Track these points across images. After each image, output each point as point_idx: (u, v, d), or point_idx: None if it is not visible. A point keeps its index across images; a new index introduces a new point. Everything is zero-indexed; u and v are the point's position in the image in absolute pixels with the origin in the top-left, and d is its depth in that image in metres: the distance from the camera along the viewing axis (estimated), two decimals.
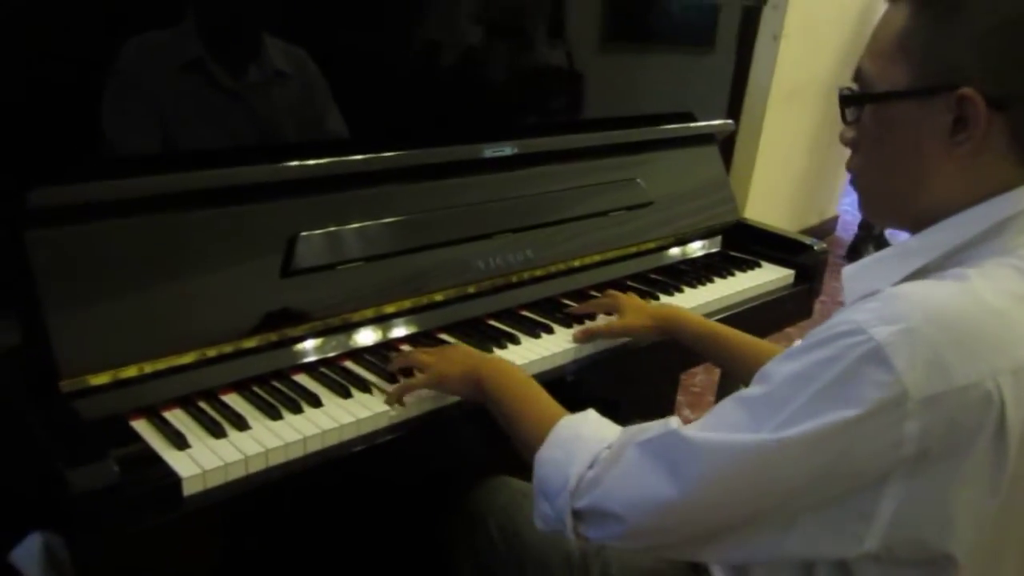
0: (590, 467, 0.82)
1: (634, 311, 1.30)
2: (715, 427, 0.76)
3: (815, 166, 4.19)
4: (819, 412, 0.69)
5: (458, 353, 1.12)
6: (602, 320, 1.34)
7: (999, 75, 0.72)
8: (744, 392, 0.77)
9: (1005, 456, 0.69)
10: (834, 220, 4.80)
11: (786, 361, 0.74)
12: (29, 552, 0.93)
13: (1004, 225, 0.75)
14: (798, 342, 0.77)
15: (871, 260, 0.82)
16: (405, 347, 1.21)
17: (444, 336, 1.26)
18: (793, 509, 0.73)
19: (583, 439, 0.86)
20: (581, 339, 1.27)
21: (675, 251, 1.67)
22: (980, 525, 0.71)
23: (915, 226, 0.81)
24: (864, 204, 0.85)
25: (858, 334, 0.69)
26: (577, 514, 0.82)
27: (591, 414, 0.92)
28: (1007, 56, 0.72)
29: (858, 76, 0.81)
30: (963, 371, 0.67)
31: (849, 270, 0.83)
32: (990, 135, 0.74)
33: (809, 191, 4.27)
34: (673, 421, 0.80)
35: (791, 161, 3.94)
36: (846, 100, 0.81)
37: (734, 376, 1.23)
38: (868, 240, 4.27)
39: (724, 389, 1.80)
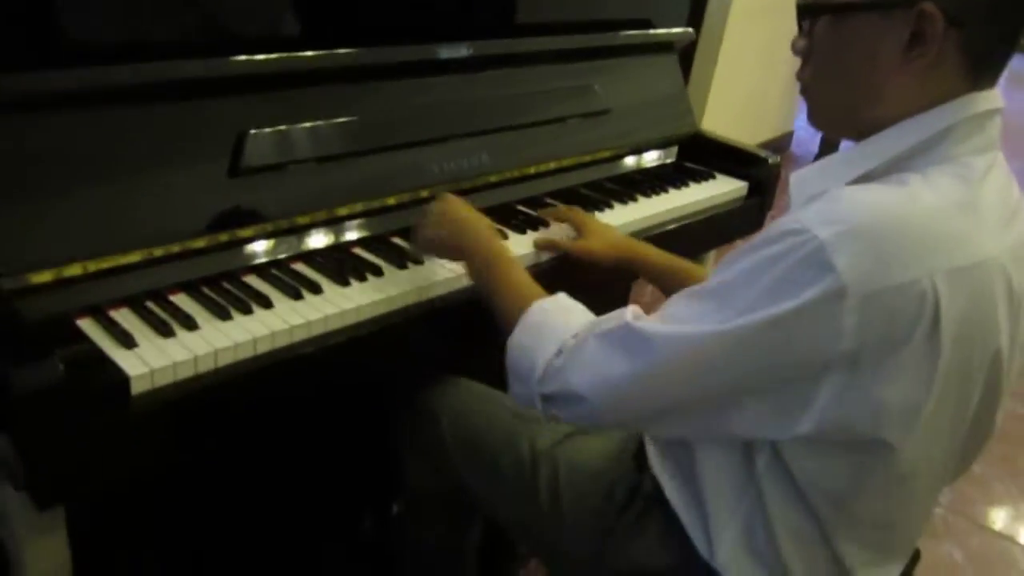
0: (557, 355, 0.87)
1: (598, 236, 1.29)
2: (670, 319, 0.81)
3: (773, 81, 4.18)
4: (765, 305, 0.72)
5: (446, 211, 1.12)
6: (565, 233, 1.33)
7: None
8: (695, 287, 0.81)
9: (938, 351, 0.73)
10: (789, 136, 4.82)
11: (738, 258, 0.77)
12: None
13: (945, 133, 0.77)
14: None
15: (817, 165, 0.84)
16: (357, 250, 1.20)
17: (397, 240, 1.24)
18: (739, 392, 0.78)
19: (551, 327, 0.91)
20: (541, 246, 1.28)
21: (631, 160, 1.67)
22: (913, 415, 0.75)
23: (863, 136, 0.82)
24: (813, 113, 0.87)
25: (803, 233, 0.71)
26: (546, 397, 0.88)
27: (561, 298, 0.96)
28: None
29: None
30: (901, 270, 0.70)
31: (796, 175, 0.85)
32: (944, 52, 0.75)
33: (766, 106, 4.27)
34: (629, 313, 0.84)
35: (750, 75, 3.92)
36: (806, 9, 0.81)
37: None
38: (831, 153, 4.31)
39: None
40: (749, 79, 3.95)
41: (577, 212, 1.35)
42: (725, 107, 3.73)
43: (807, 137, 4.79)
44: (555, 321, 0.91)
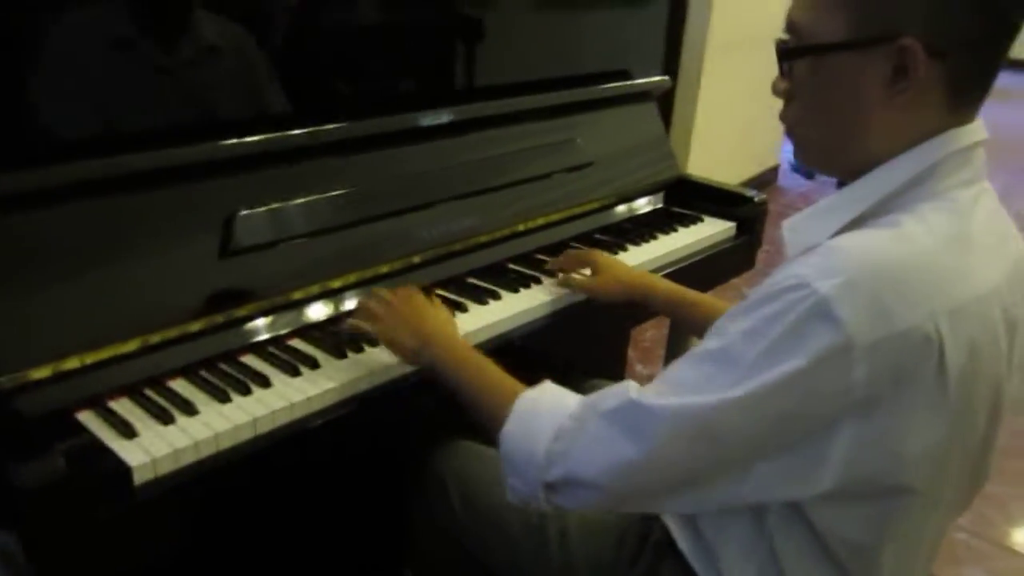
0: (555, 439, 0.84)
1: (609, 273, 1.32)
2: (672, 389, 0.78)
3: (755, 116, 4.23)
4: (770, 366, 0.72)
5: (407, 317, 1.09)
6: (577, 276, 1.36)
7: (939, 24, 0.73)
8: (697, 349, 0.80)
9: (946, 391, 0.73)
10: (775, 170, 4.86)
11: (736, 318, 0.76)
12: None
13: (932, 170, 0.77)
14: (747, 292, 0.79)
15: (809, 212, 0.84)
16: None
17: None
18: (753, 457, 0.76)
19: (543, 412, 0.88)
20: (560, 284, 1.34)
21: (618, 210, 1.68)
22: (929, 457, 0.75)
23: (853, 174, 0.82)
24: (802, 154, 0.87)
25: (802, 288, 0.71)
26: (549, 486, 0.85)
27: (547, 386, 0.93)
28: (947, 4, 0.73)
29: (791, 28, 0.82)
30: (903, 316, 0.70)
31: (789, 223, 0.84)
32: (928, 84, 0.75)
33: (750, 141, 4.31)
34: (632, 388, 0.82)
35: (731, 112, 3.98)
36: (785, 53, 0.82)
37: (700, 336, 1.26)
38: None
39: (674, 343, 1.82)
40: (731, 117, 4.00)
41: (587, 252, 1.39)
42: (710, 147, 3.78)
43: (791, 169, 4.84)
44: (547, 406, 0.88)
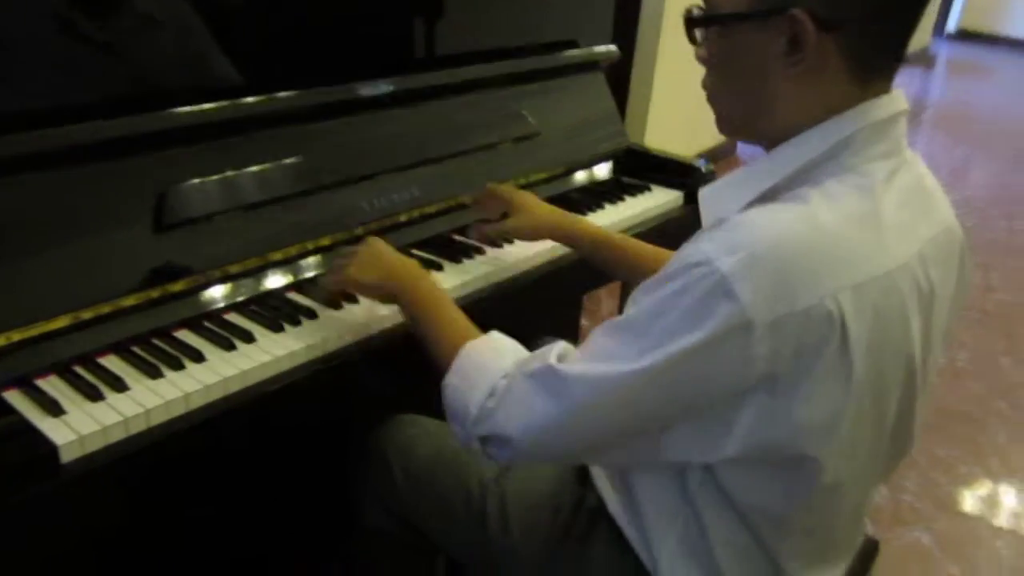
0: (488, 396, 0.87)
1: (527, 212, 1.30)
2: (590, 355, 0.81)
3: None
4: (673, 340, 0.73)
5: (369, 260, 1.11)
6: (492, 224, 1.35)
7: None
8: (614, 320, 0.81)
9: (851, 366, 0.74)
10: (734, 140, 4.89)
11: (648, 290, 0.78)
12: None
13: (844, 144, 0.78)
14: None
15: (723, 182, 0.85)
16: (292, 295, 1.20)
17: None
18: (660, 425, 0.79)
19: (482, 368, 0.90)
20: (477, 238, 1.33)
21: (566, 180, 1.68)
22: (834, 429, 0.77)
23: (770, 144, 0.83)
24: (718, 122, 0.88)
25: (705, 265, 0.72)
26: (482, 439, 0.88)
27: (494, 337, 0.96)
28: None
29: None
30: (804, 293, 0.71)
31: (705, 191, 0.86)
32: (824, 56, 0.76)
33: (708, 113, 4.32)
34: (553, 353, 0.84)
35: (689, 83, 3.97)
36: (691, 22, 0.83)
37: (629, 282, 1.26)
38: None
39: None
40: (689, 87, 3.99)
41: (503, 189, 1.35)
42: (668, 118, 3.78)
43: None
44: (486, 362, 0.91)
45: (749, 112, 0.83)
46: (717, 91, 0.85)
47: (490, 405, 0.87)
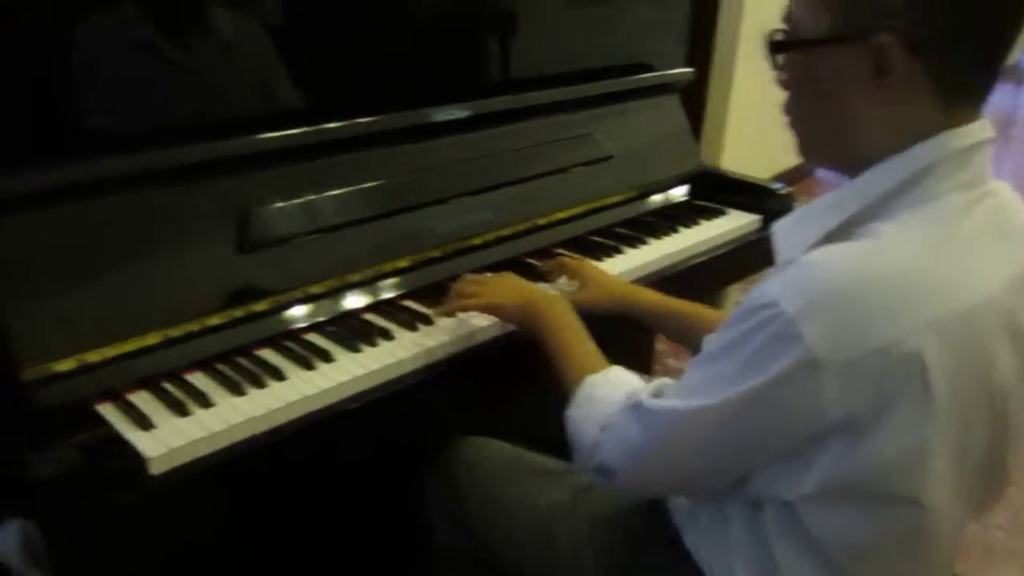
0: (601, 430, 0.91)
1: (596, 286, 1.29)
2: (677, 391, 0.84)
3: None
4: (744, 380, 0.74)
5: (508, 285, 1.17)
6: (566, 286, 1.33)
7: (919, 20, 0.72)
8: (699, 356, 0.82)
9: (932, 405, 0.72)
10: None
11: (721, 331, 0.79)
12: (7, 539, 0.94)
13: (923, 173, 0.76)
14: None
15: (796, 215, 0.84)
16: (368, 316, 1.22)
17: (409, 303, 1.26)
18: (744, 461, 0.80)
19: (599, 401, 0.94)
20: None
21: (639, 203, 1.67)
22: (916, 468, 0.75)
23: (850, 170, 0.81)
24: (799, 147, 0.86)
25: (772, 307, 0.72)
26: (595, 470, 0.92)
27: (614, 372, 0.98)
28: (929, 1, 0.72)
29: (788, 19, 0.82)
30: (878, 333, 0.70)
31: (777, 226, 0.85)
32: (912, 81, 0.74)
33: (785, 134, 4.24)
34: (649, 388, 0.88)
35: (766, 104, 3.92)
36: (772, 46, 0.82)
37: (688, 348, 1.25)
38: None
39: None
40: (767, 109, 3.94)
41: (575, 263, 1.35)
42: (744, 140, 3.73)
43: None
44: (602, 396, 0.94)
45: (830, 137, 0.82)
46: (798, 116, 0.84)
47: (601, 438, 0.90)
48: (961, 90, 0.76)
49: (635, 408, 0.86)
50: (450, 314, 1.17)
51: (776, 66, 0.83)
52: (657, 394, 0.86)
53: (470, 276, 1.22)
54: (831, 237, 0.78)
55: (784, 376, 0.71)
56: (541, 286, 1.24)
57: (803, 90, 0.82)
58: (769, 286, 0.74)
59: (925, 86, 0.74)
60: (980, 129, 0.77)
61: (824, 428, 0.73)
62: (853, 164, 0.80)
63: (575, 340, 1.06)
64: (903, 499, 0.76)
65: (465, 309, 1.16)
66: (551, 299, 1.13)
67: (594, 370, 0.98)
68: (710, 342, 0.81)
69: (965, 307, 0.73)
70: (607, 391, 0.94)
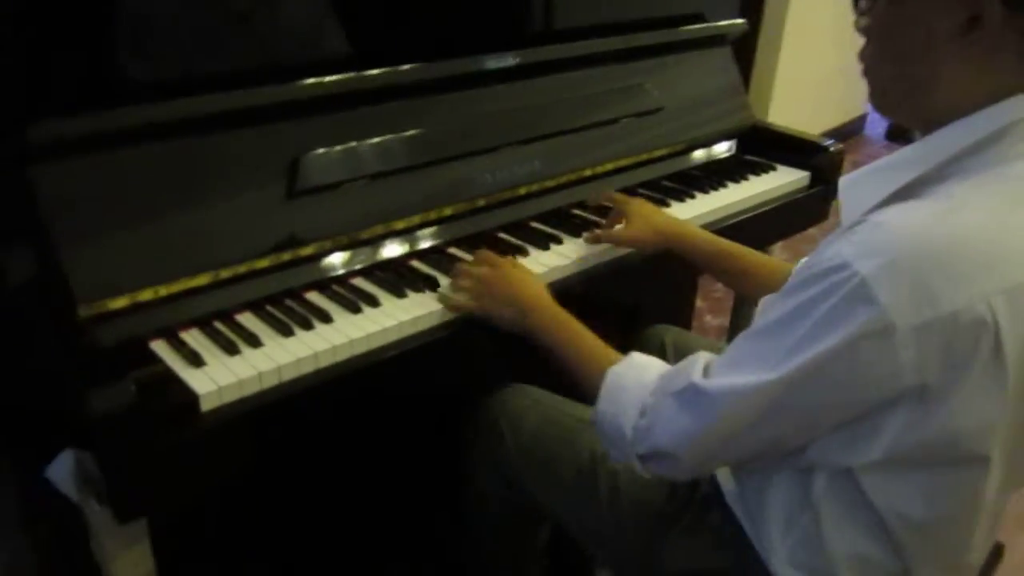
0: (641, 416, 0.88)
1: (642, 221, 1.28)
2: (728, 367, 0.81)
3: (841, 63, 4.07)
4: (812, 347, 0.72)
5: (503, 289, 1.10)
6: (609, 227, 1.33)
7: None
8: (751, 328, 0.81)
9: (1004, 372, 0.71)
10: (862, 119, 4.69)
11: (784, 297, 0.76)
12: (63, 468, 0.98)
13: (1003, 132, 0.73)
14: (798, 266, 0.78)
15: (867, 171, 0.81)
16: (414, 262, 1.23)
17: (454, 251, 1.27)
18: (809, 430, 0.78)
19: (628, 390, 0.92)
20: (590, 241, 1.29)
21: (688, 157, 1.65)
22: (984, 433, 0.74)
23: (924, 126, 0.79)
24: (873, 96, 0.83)
25: (844, 269, 0.70)
26: (641, 457, 0.89)
27: (634, 358, 0.96)
28: None
29: None
30: (951, 297, 0.68)
31: (845, 180, 0.82)
32: (1003, 37, 0.71)
33: (835, 90, 4.15)
34: (697, 368, 0.84)
35: (817, 59, 3.83)
36: None
37: (741, 293, 1.23)
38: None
39: (742, 298, 1.80)
40: (816, 64, 3.85)
41: (620, 197, 1.33)
42: (793, 95, 3.65)
43: (882, 119, 4.64)
44: (631, 383, 0.92)
45: (908, 90, 0.78)
46: (876, 64, 0.81)
47: (643, 424, 0.88)
48: None
49: (687, 391, 0.83)
50: (447, 305, 1.12)
51: (860, 10, 0.80)
52: (706, 372, 0.84)
53: (470, 275, 1.14)
54: (900, 195, 0.76)
55: (857, 339, 0.70)
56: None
57: (885, 38, 0.79)
58: (838, 247, 0.72)
59: (1014, 44, 0.71)
60: None
61: (896, 394, 0.72)
62: (927, 119, 0.77)
63: (578, 338, 1.03)
64: (969, 461, 0.75)
65: (460, 310, 1.12)
66: (544, 302, 1.08)
67: (611, 361, 0.96)
68: (769, 309, 0.78)
69: None
70: (635, 377, 0.92)
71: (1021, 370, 0.72)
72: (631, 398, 0.90)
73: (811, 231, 1.79)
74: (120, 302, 0.99)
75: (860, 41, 0.83)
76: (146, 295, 1.00)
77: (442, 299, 1.12)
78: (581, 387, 0.99)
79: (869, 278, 0.69)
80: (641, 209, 1.30)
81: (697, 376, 0.83)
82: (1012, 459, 0.79)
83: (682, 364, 0.88)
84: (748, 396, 0.78)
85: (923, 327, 0.69)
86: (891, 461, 0.76)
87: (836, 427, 0.77)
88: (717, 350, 0.90)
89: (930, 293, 0.68)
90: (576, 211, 1.42)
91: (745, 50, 3.44)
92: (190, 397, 0.91)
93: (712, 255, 1.24)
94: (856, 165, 0.85)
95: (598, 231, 1.31)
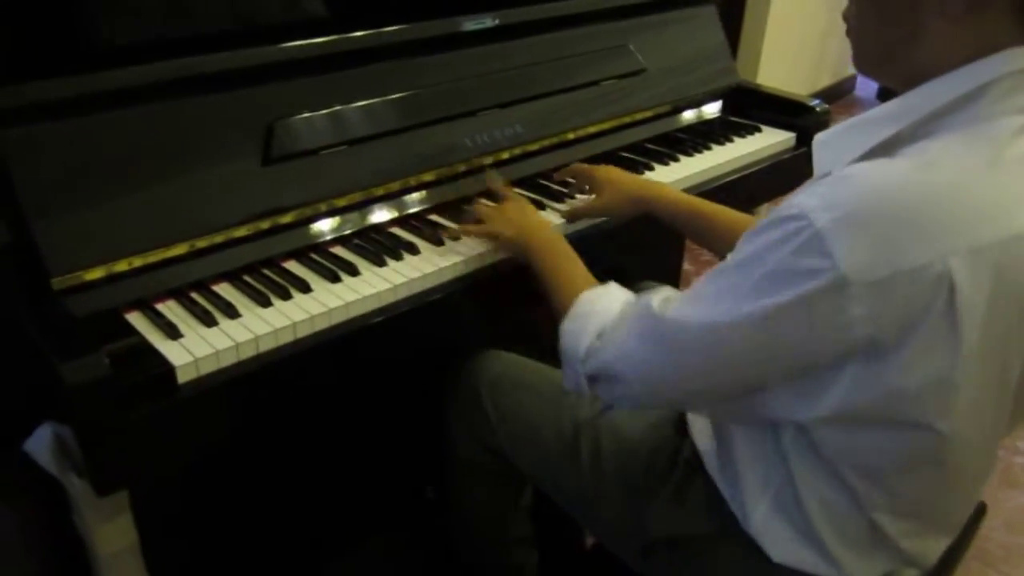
0: (597, 337, 0.89)
1: (612, 188, 1.25)
2: (691, 301, 0.80)
3: (830, 23, 4.03)
4: (766, 294, 0.71)
5: (515, 211, 1.16)
6: (581, 199, 1.31)
7: None
8: (716, 267, 0.80)
9: (958, 335, 0.70)
10: (852, 79, 4.65)
11: (749, 238, 0.75)
12: (41, 441, 0.97)
13: (982, 91, 0.72)
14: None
15: (842, 128, 0.80)
16: (394, 229, 1.21)
17: (435, 217, 1.25)
18: (762, 377, 0.77)
19: (596, 312, 0.93)
20: (566, 217, 1.26)
21: (672, 119, 1.63)
22: (937, 395, 0.73)
23: (905, 85, 0.77)
24: (856, 55, 0.82)
25: (801, 219, 0.69)
26: (590, 378, 0.90)
27: (611, 287, 0.98)
28: None
29: None
30: (910, 254, 0.67)
31: (820, 137, 0.81)
32: None
33: (824, 51, 4.12)
34: (657, 297, 0.85)
35: (805, 19, 3.79)
36: None
37: (714, 252, 1.22)
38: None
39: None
40: (805, 24, 3.82)
41: (586, 168, 1.30)
42: (781, 56, 3.62)
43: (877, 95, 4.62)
44: (598, 308, 0.93)
45: (893, 49, 0.77)
46: (861, 23, 0.79)
47: (597, 344, 0.89)
48: None
49: (642, 316, 0.84)
50: (455, 237, 1.17)
51: None
52: (665, 303, 0.83)
53: (487, 201, 1.20)
54: (875, 152, 0.75)
55: (810, 293, 0.69)
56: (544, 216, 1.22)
57: None
58: (800, 198, 0.71)
59: (1004, 2, 0.70)
60: None
61: (845, 350, 0.71)
62: (909, 78, 0.76)
63: (569, 266, 1.05)
64: (918, 425, 0.75)
65: (467, 234, 1.16)
66: (547, 232, 1.12)
67: (589, 288, 0.98)
68: (735, 250, 0.77)
69: (1007, 234, 0.70)
70: (604, 303, 0.94)
71: (985, 330, 0.71)
72: (595, 319, 0.92)
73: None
74: (94, 273, 0.97)
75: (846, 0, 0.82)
76: (121, 266, 0.99)
77: (449, 233, 1.17)
78: (556, 310, 1.00)
79: (824, 231, 0.68)
80: (609, 175, 1.27)
81: (656, 303, 0.84)
82: (983, 422, 0.79)
83: (645, 294, 0.88)
84: (701, 331, 0.77)
85: (878, 283, 0.68)
86: (840, 418, 0.76)
87: (786, 380, 0.76)
88: None
89: (889, 249, 0.67)
90: (559, 175, 1.40)
91: (734, 10, 3.41)
92: (167, 369, 0.90)
93: (688, 216, 1.22)
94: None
95: (571, 207, 1.28)
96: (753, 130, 1.63)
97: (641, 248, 1.56)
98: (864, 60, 0.82)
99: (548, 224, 1.16)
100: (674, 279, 2.14)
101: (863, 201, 0.69)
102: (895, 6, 0.75)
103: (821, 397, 0.75)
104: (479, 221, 1.17)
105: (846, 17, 0.82)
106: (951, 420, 0.75)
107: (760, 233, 0.73)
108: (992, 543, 1.84)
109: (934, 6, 0.72)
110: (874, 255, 0.67)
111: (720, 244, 1.20)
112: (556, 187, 1.36)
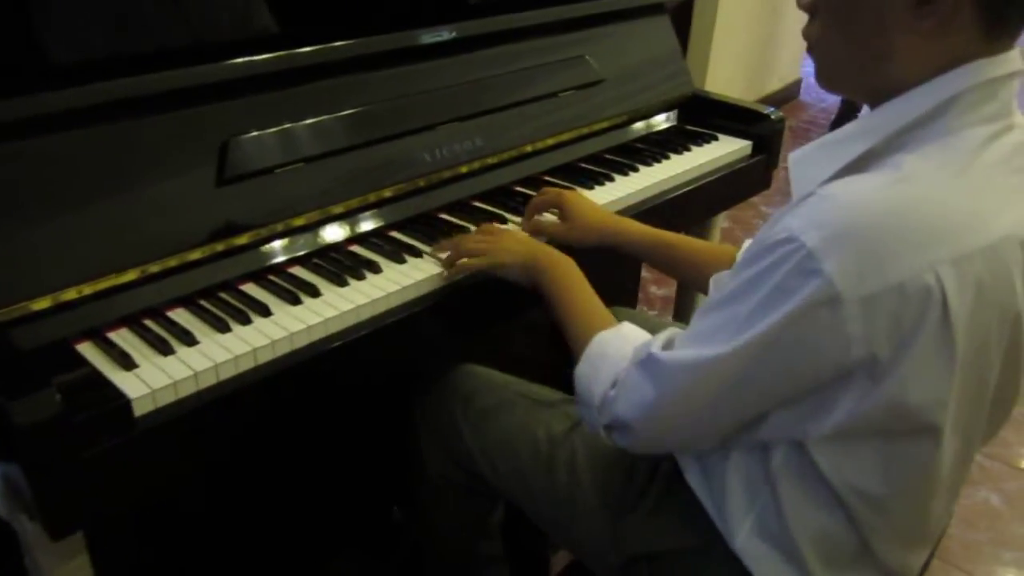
0: (611, 387, 0.89)
1: (583, 223, 1.23)
2: (689, 340, 0.81)
3: (775, 30, 4.10)
4: (760, 320, 0.72)
5: (512, 241, 1.12)
6: (550, 218, 1.28)
7: None
8: (706, 303, 0.81)
9: (952, 342, 0.71)
10: (797, 84, 4.74)
11: (736, 272, 0.76)
12: None
13: (950, 103, 0.72)
14: (765, 211, 0.77)
15: (816, 144, 0.80)
16: (355, 247, 1.18)
17: (396, 234, 1.23)
18: (765, 404, 0.78)
19: (608, 358, 0.92)
20: (529, 230, 1.24)
21: (630, 129, 1.63)
22: (935, 405, 0.74)
23: (873, 99, 0.78)
24: (820, 73, 0.82)
25: (792, 242, 0.70)
26: (606, 427, 0.90)
27: (625, 328, 0.96)
28: None
29: None
30: (897, 267, 0.68)
31: (795, 156, 0.81)
32: (958, 9, 0.70)
33: (771, 56, 4.19)
34: (659, 340, 0.85)
35: (751, 26, 3.85)
36: None
37: (685, 282, 1.23)
38: (852, 115, 4.18)
39: None
40: (751, 30, 3.87)
41: (557, 196, 1.26)
42: (729, 62, 3.67)
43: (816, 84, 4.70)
44: (613, 351, 0.92)
45: (859, 66, 0.77)
46: (824, 41, 0.79)
47: (612, 395, 0.88)
48: (1002, 22, 0.71)
49: (646, 362, 0.83)
50: (445, 263, 1.12)
51: None
52: (668, 345, 0.84)
53: (476, 236, 1.15)
54: (849, 169, 0.75)
55: (804, 310, 0.69)
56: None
57: (834, 14, 0.77)
58: (787, 221, 0.71)
59: (970, 17, 0.70)
60: (1011, 60, 0.74)
61: (847, 367, 0.71)
62: (877, 93, 0.77)
63: (582, 298, 1.04)
64: (920, 434, 0.75)
65: (466, 271, 1.11)
66: (555, 257, 1.09)
67: (603, 327, 0.96)
68: (722, 285, 0.78)
69: (986, 242, 0.71)
70: (617, 347, 0.92)
71: (968, 340, 0.72)
72: (608, 366, 0.91)
73: (754, 199, 1.79)
74: (41, 303, 0.93)
75: (793, 7, 0.81)
76: (69, 294, 0.95)
77: (443, 262, 1.12)
78: (569, 345, 0.99)
79: (815, 250, 0.68)
80: (579, 209, 1.24)
81: (656, 348, 0.84)
82: (966, 431, 0.79)
83: (649, 339, 0.88)
84: (701, 371, 0.78)
85: (870, 298, 0.68)
86: (842, 435, 0.76)
87: (788, 402, 0.77)
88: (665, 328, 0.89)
89: (876, 264, 0.68)
90: (519, 188, 1.39)
91: (680, 20, 3.44)
92: (122, 402, 0.86)
93: (650, 247, 1.22)
94: (793, 131, 0.84)
95: (539, 222, 1.26)
96: (710, 138, 1.64)
97: (597, 261, 1.55)
98: (829, 78, 0.82)
99: (552, 249, 1.12)
100: (632, 287, 2.14)
101: (848, 217, 0.69)
102: (862, 26, 0.75)
103: (823, 417, 0.75)
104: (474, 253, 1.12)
105: (807, 36, 0.81)
106: (945, 431, 0.76)
107: (751, 263, 0.74)
108: (952, 540, 1.87)
109: (903, 24, 0.72)
110: (863, 270, 0.68)
111: (683, 272, 1.22)
112: (519, 198, 1.34)
